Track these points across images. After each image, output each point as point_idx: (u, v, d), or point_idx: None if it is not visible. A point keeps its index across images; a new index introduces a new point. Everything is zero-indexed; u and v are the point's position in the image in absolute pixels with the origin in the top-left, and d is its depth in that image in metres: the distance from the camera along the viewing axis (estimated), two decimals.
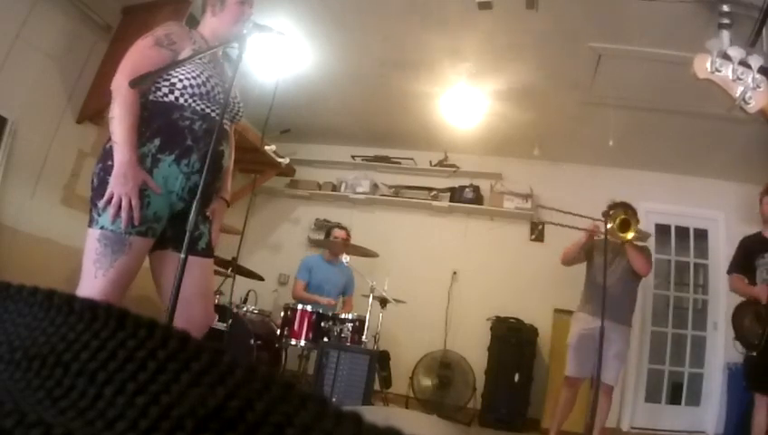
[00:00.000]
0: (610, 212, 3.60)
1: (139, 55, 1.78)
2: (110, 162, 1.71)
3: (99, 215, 1.70)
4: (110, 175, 1.69)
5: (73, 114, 3.88)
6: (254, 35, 1.91)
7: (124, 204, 1.66)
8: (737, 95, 1.40)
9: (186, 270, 1.69)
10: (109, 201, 1.66)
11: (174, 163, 1.77)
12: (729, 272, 3.51)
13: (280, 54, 4.04)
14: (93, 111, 3.92)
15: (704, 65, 1.42)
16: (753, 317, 3.22)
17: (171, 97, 1.80)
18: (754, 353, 3.21)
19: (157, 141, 1.76)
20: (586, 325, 3.49)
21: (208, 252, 1.91)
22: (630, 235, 3.42)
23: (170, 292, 1.67)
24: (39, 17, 3.50)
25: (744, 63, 1.41)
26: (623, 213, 3.45)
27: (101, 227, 1.69)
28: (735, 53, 1.42)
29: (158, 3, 3.75)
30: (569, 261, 3.74)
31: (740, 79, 1.40)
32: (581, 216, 3.70)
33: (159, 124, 1.77)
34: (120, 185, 1.66)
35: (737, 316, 3.40)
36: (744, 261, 3.43)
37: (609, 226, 3.31)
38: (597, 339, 3.39)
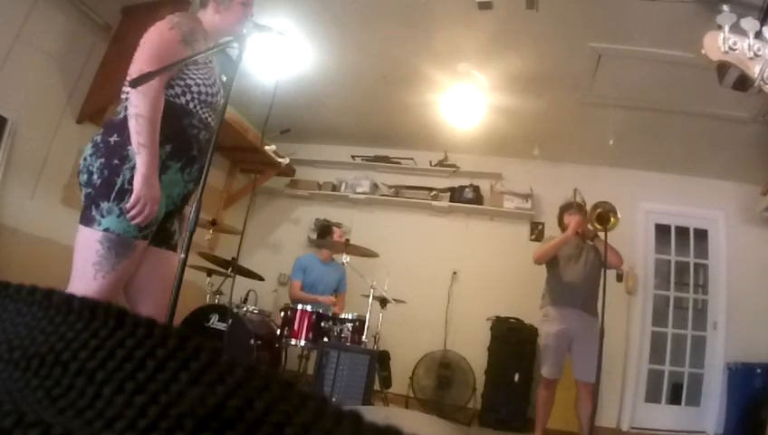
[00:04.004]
0: (568, 212, 3.64)
1: (167, 49, 1.69)
2: (116, 161, 1.64)
3: (102, 216, 1.63)
4: (117, 175, 1.63)
5: (73, 114, 3.88)
6: (254, 35, 1.90)
7: (148, 209, 1.63)
8: (756, 75, 1.23)
9: (156, 261, 1.78)
10: (134, 205, 1.62)
11: (179, 171, 1.77)
12: None
13: (280, 54, 4.03)
14: (93, 110, 3.92)
15: (716, 44, 1.25)
16: None
17: (183, 100, 1.77)
18: None
19: (168, 147, 1.73)
20: (563, 324, 3.45)
21: (176, 247, 1.93)
22: (613, 220, 3.42)
23: (139, 282, 1.78)
24: (39, 17, 3.50)
25: (760, 37, 1.24)
26: (599, 206, 3.46)
27: (106, 229, 1.63)
28: (750, 25, 1.25)
29: (158, 3, 3.75)
30: (546, 259, 3.65)
31: (757, 55, 1.23)
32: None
33: (173, 130, 1.73)
34: (148, 190, 1.62)
35: None
36: None
37: (589, 223, 3.37)
38: (573, 336, 3.40)
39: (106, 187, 1.64)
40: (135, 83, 1.60)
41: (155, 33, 1.74)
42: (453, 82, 4.39)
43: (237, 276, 4.09)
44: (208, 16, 1.94)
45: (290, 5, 3.65)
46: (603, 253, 3.37)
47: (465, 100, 4.50)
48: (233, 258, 4.02)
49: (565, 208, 3.73)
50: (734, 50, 1.24)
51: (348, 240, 4.35)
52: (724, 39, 1.24)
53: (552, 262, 3.64)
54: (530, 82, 4.24)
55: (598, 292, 3.48)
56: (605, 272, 3.26)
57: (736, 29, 1.26)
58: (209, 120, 1.83)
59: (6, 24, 3.34)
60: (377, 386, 3.72)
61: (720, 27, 1.25)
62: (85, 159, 1.69)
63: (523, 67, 4.07)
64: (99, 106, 3.92)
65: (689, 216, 5.15)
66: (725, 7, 2.91)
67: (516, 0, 3.34)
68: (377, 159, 5.88)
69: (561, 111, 4.61)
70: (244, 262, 4.48)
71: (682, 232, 5.19)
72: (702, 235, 5.14)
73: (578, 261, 3.57)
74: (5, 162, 3.40)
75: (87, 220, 1.66)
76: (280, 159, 5.37)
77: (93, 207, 1.65)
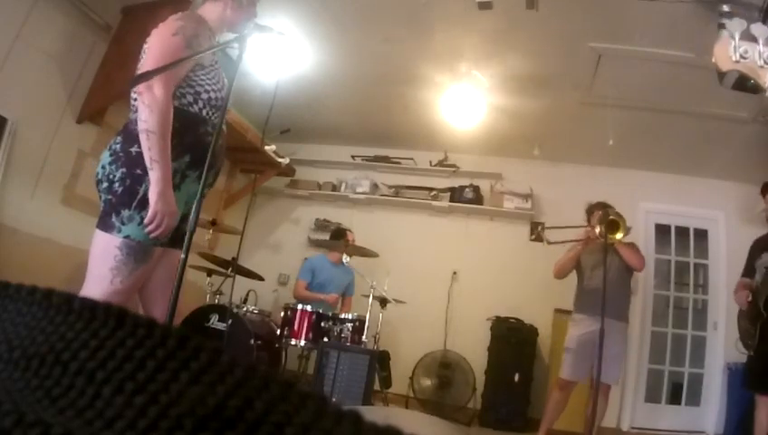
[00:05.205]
0: (594, 213, 3.63)
1: (172, 57, 1.66)
2: (138, 171, 1.66)
3: (123, 224, 1.66)
4: (139, 185, 1.65)
5: (73, 114, 3.88)
6: (254, 35, 1.90)
7: (166, 223, 1.65)
8: (767, 84, 1.20)
9: (169, 261, 1.79)
10: (151, 220, 1.64)
11: (197, 180, 1.77)
12: (742, 275, 3.51)
13: (280, 54, 4.03)
14: (93, 110, 3.92)
15: (727, 53, 1.23)
16: (748, 318, 3.26)
17: (196, 108, 1.77)
18: (751, 353, 3.24)
19: (187, 158, 1.74)
20: (587, 328, 3.49)
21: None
22: (620, 235, 3.43)
23: (154, 283, 1.80)
24: (39, 17, 3.50)
25: None
26: (610, 213, 3.46)
27: (126, 236, 1.65)
28: (760, 31, 1.23)
29: (158, 3, 3.75)
30: (564, 273, 3.72)
31: (767, 63, 1.20)
32: (579, 226, 3.73)
33: (191, 140, 1.74)
34: (164, 205, 1.64)
35: (738, 317, 3.43)
36: (748, 263, 3.44)
37: (599, 230, 3.35)
38: (597, 342, 3.40)
39: (128, 195, 1.66)
40: (133, 83, 1.60)
41: (158, 40, 1.72)
42: (453, 82, 4.39)
43: (237, 276, 4.10)
44: (218, 10, 1.91)
45: (290, 5, 3.65)
46: (624, 256, 3.49)
47: (465, 100, 4.50)
48: (233, 258, 4.02)
49: (591, 211, 3.73)
50: (745, 58, 1.21)
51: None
52: (734, 47, 1.21)
53: (578, 269, 3.70)
54: (530, 82, 4.24)
55: (624, 296, 3.58)
56: (605, 273, 3.26)
57: (746, 35, 1.23)
58: (220, 123, 1.83)
59: (6, 24, 3.33)
60: (377, 386, 3.72)
61: (724, 33, 1.23)
62: (104, 168, 1.71)
63: (523, 67, 4.07)
64: (99, 106, 3.92)
65: (689, 216, 5.15)
66: (726, 7, 2.91)
67: (516, 0, 3.34)
68: (377, 159, 5.88)
69: (561, 111, 4.61)
70: (244, 262, 4.48)
71: (682, 232, 5.19)
72: (702, 235, 5.13)
73: (601, 268, 3.57)
74: (5, 162, 3.40)
75: (106, 226, 1.67)
76: (280, 159, 5.37)
77: (114, 213, 1.67)
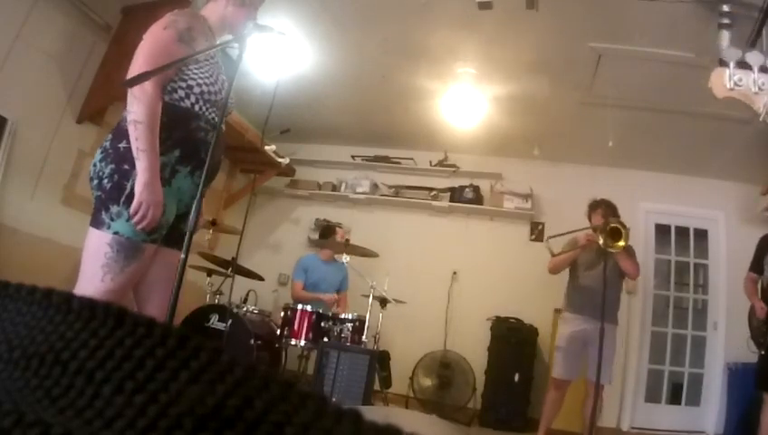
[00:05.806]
0: (596, 210, 3.61)
1: (164, 52, 1.67)
2: (126, 166, 1.65)
3: (112, 220, 1.65)
4: (126, 180, 1.65)
5: (73, 114, 3.88)
6: (254, 35, 1.89)
7: (151, 214, 1.64)
8: (761, 109, 1.26)
9: (167, 261, 1.78)
10: (136, 210, 1.62)
11: (189, 175, 1.77)
12: (749, 270, 3.51)
13: (280, 54, 4.03)
14: (93, 110, 3.92)
15: (722, 81, 1.29)
16: (761, 316, 3.25)
17: (188, 102, 1.76)
18: (762, 352, 3.22)
19: (177, 152, 1.73)
20: (576, 327, 3.50)
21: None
22: (622, 243, 3.41)
23: (150, 282, 1.79)
24: (39, 17, 3.50)
25: (765, 70, 1.27)
26: (612, 222, 3.44)
27: (115, 233, 1.65)
28: (755, 59, 1.28)
29: (158, 2, 3.75)
30: (559, 270, 3.74)
31: (761, 90, 1.26)
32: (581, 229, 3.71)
33: (181, 135, 1.73)
34: (149, 195, 1.62)
35: (750, 316, 3.42)
36: (757, 259, 3.44)
37: (602, 241, 3.34)
38: (587, 340, 3.41)
39: (116, 190, 1.66)
40: (128, 84, 1.59)
41: (150, 35, 1.73)
42: (453, 82, 4.39)
43: (237, 276, 4.10)
44: (221, 7, 1.91)
45: (290, 6, 3.65)
46: (620, 262, 3.49)
47: (465, 100, 4.50)
48: (233, 258, 4.02)
49: (593, 207, 3.72)
50: (740, 86, 1.27)
51: (348, 240, 4.35)
52: (729, 76, 1.27)
53: (572, 268, 3.70)
54: (530, 83, 4.24)
55: (614, 298, 3.56)
56: (605, 277, 3.26)
57: (743, 63, 1.29)
58: (217, 119, 1.81)
59: (6, 24, 3.33)
60: (377, 386, 3.72)
61: (722, 58, 1.28)
62: (95, 165, 1.71)
63: (523, 67, 4.07)
64: (99, 106, 3.92)
65: (689, 216, 5.15)
66: (726, 7, 2.91)
67: (516, 0, 3.34)
68: (377, 159, 5.88)
69: (561, 111, 4.61)
70: (244, 262, 4.48)
71: (682, 232, 5.19)
72: (702, 235, 5.13)
73: (595, 268, 3.56)
74: (5, 162, 3.40)
75: (97, 223, 1.67)
76: (280, 159, 5.37)
77: (103, 210, 1.67)
